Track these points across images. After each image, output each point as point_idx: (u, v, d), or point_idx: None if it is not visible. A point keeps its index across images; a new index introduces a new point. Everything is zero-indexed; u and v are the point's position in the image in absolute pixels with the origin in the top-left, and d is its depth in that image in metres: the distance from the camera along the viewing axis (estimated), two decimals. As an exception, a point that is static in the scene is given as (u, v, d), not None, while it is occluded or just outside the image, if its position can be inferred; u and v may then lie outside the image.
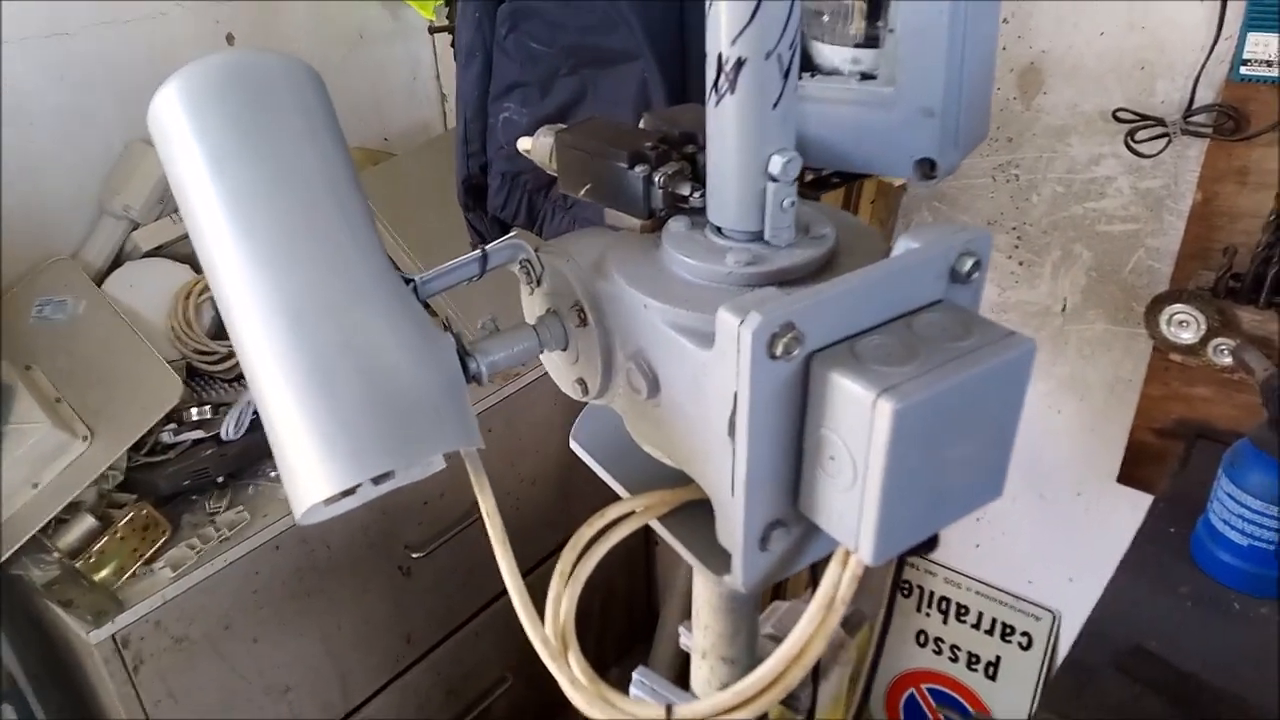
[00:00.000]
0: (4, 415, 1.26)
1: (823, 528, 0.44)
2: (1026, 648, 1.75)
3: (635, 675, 0.71)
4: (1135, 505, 1.52)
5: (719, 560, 0.49)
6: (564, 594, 0.50)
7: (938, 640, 1.84)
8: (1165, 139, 1.26)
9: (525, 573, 0.50)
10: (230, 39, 1.62)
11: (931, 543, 0.48)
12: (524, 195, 1.01)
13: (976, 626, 1.79)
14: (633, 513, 0.54)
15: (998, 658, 1.79)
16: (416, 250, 1.57)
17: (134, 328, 1.39)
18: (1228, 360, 1.19)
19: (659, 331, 0.46)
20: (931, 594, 1.82)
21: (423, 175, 1.69)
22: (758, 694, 0.46)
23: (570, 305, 0.52)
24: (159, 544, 1.27)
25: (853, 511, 0.42)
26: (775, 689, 0.45)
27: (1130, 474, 1.49)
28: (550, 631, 0.49)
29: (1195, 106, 1.22)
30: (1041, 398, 1.55)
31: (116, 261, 1.53)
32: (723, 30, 0.42)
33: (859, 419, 0.39)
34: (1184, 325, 1.22)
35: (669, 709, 0.46)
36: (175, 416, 1.35)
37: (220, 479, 1.36)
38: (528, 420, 1.69)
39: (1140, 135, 1.28)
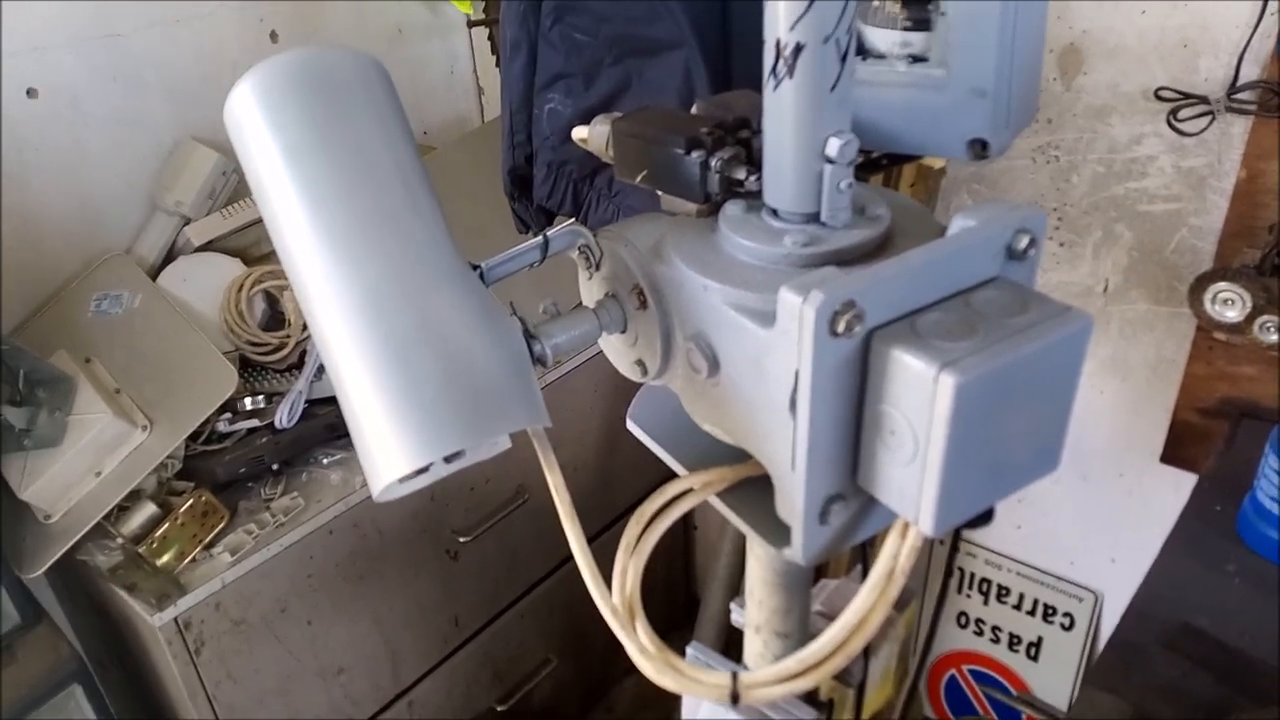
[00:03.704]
0: (67, 406, 1.30)
1: (882, 501, 0.46)
2: (1068, 629, 1.75)
3: (689, 650, 0.73)
4: (1178, 486, 1.51)
5: (778, 534, 0.50)
6: (629, 566, 0.52)
7: (979, 621, 1.85)
8: (1208, 117, 1.25)
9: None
10: (274, 36, 1.65)
11: (988, 515, 0.49)
12: (569, 184, 1.03)
13: (1018, 608, 1.79)
14: (692, 489, 0.55)
15: (1039, 639, 1.79)
16: (459, 241, 1.59)
17: (189, 321, 1.43)
18: (1274, 338, 1.18)
19: (720, 312, 0.48)
20: (973, 575, 1.82)
21: (462, 168, 1.72)
22: (820, 662, 0.47)
23: (629, 289, 0.54)
24: (217, 530, 1.30)
25: (913, 484, 0.43)
26: (837, 657, 0.47)
27: (1174, 454, 1.48)
28: (618, 601, 0.51)
29: (1240, 84, 1.21)
30: (1083, 378, 1.53)
31: (169, 256, 1.57)
32: (781, 17, 0.44)
33: (921, 393, 0.40)
34: (1229, 304, 1.21)
35: (735, 676, 0.48)
36: (230, 406, 1.38)
37: (275, 466, 1.40)
38: (569, 408, 1.71)
39: (1183, 114, 1.27)
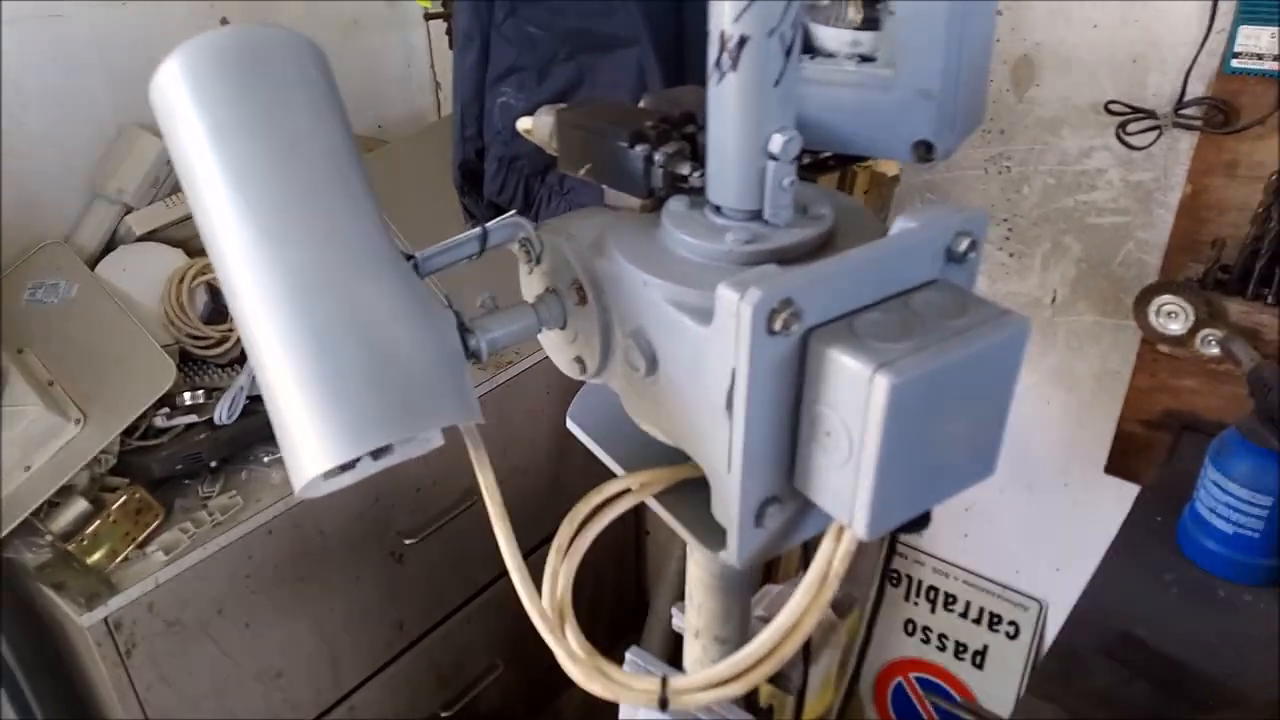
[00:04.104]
0: (-4, 398, 1.26)
1: (817, 503, 0.45)
2: (1013, 637, 1.77)
3: (628, 655, 0.72)
4: (1121, 496, 1.53)
5: (714, 537, 0.49)
6: (560, 569, 0.51)
7: (925, 629, 1.86)
8: (1156, 131, 1.27)
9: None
10: (224, 23, 1.61)
11: (923, 520, 0.49)
12: (520, 180, 1.01)
13: (964, 616, 1.80)
14: (629, 490, 0.54)
15: (985, 647, 1.80)
16: (409, 237, 1.57)
17: (127, 312, 1.39)
18: (1215, 351, 1.21)
19: (659, 309, 0.47)
20: (920, 583, 1.83)
21: (416, 162, 1.69)
22: (751, 667, 0.46)
23: (569, 284, 0.53)
24: (152, 528, 1.27)
25: (848, 486, 0.42)
26: (769, 662, 0.46)
27: (1118, 465, 1.50)
28: (547, 605, 0.50)
29: (1186, 99, 1.23)
30: (1030, 389, 1.56)
31: (109, 245, 1.53)
32: (725, 9, 0.43)
33: (856, 394, 0.40)
34: (1172, 316, 1.23)
35: (664, 681, 0.47)
36: (168, 401, 1.35)
37: (213, 463, 1.36)
38: (519, 410, 1.69)
39: (1132, 128, 1.28)
